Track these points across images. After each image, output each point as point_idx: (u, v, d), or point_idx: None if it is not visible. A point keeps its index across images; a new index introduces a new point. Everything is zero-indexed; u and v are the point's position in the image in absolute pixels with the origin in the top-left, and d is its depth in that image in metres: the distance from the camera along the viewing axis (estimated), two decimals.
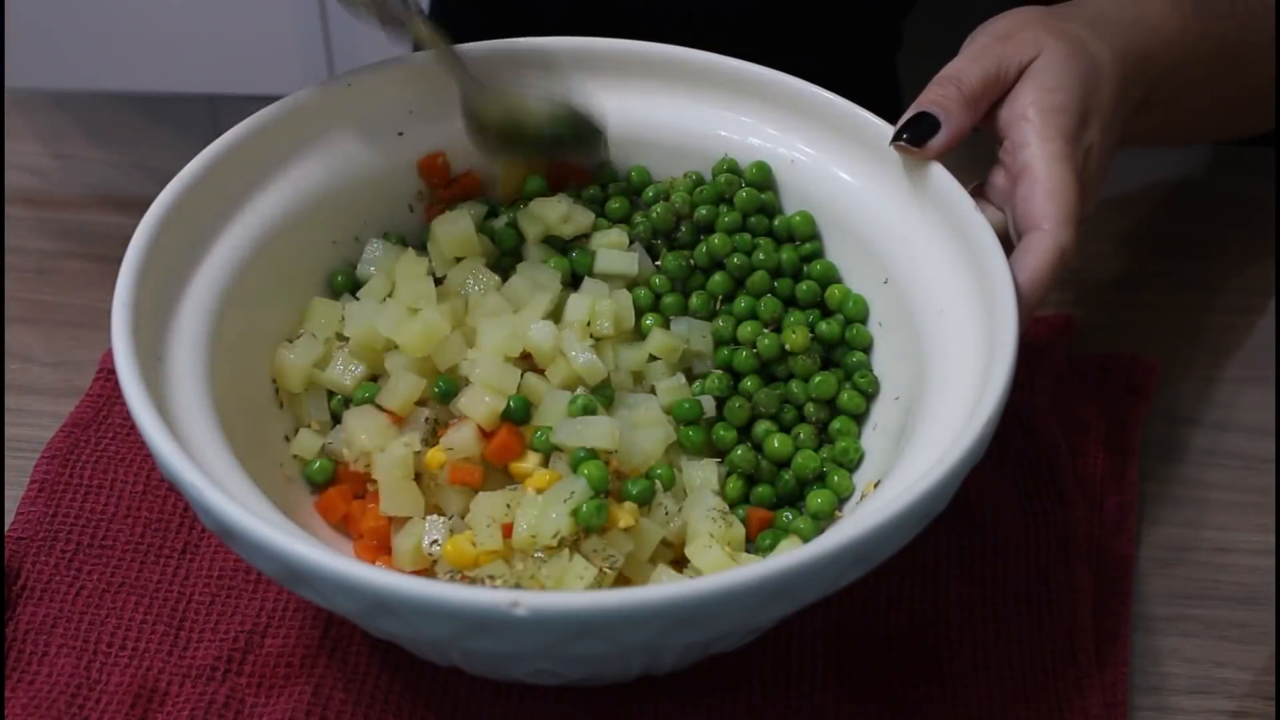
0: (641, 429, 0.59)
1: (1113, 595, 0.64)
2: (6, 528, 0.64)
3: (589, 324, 0.61)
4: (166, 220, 0.56)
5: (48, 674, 0.59)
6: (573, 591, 0.52)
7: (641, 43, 0.67)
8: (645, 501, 0.57)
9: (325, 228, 0.65)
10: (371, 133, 0.66)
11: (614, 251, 0.65)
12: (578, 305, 0.62)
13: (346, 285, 0.66)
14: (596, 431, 0.57)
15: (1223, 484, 0.72)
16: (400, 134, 0.66)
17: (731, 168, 0.67)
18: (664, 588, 0.43)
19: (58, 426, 0.69)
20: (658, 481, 0.58)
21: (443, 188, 0.68)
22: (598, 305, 0.62)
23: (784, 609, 0.47)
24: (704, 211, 0.66)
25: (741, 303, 0.65)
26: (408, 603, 0.43)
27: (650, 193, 0.68)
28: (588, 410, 0.58)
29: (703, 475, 0.60)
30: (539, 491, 0.56)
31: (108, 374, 0.72)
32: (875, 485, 0.58)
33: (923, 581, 0.64)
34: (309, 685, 0.59)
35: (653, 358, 0.63)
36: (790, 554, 0.44)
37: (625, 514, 0.55)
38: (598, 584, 0.53)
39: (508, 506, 0.56)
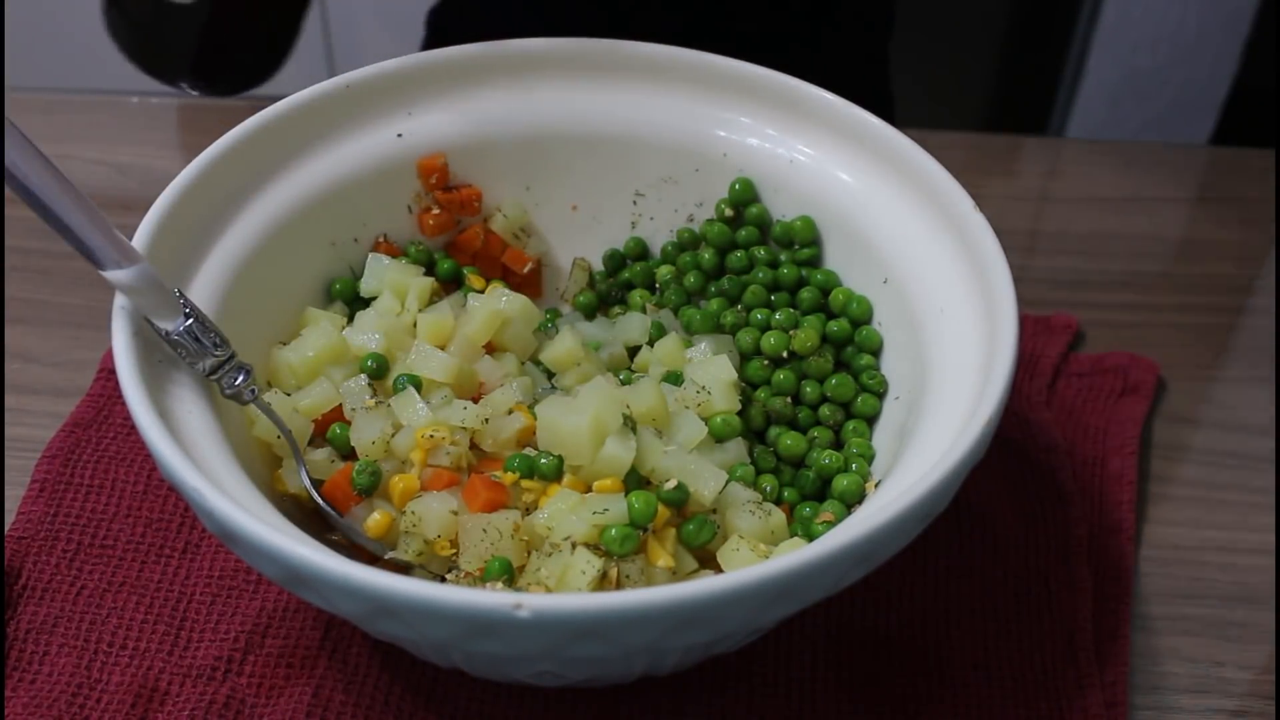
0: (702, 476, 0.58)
1: (1112, 595, 0.64)
2: (7, 527, 0.64)
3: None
4: (166, 221, 0.56)
5: (48, 673, 0.59)
6: (575, 593, 0.52)
7: (641, 43, 0.67)
8: (703, 544, 0.57)
9: (324, 229, 0.65)
10: (371, 134, 0.66)
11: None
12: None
13: (345, 294, 0.66)
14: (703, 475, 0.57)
15: (1223, 484, 0.72)
16: (399, 135, 0.66)
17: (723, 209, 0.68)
18: (666, 589, 0.43)
19: (58, 426, 0.69)
20: (716, 523, 0.57)
21: (440, 191, 0.68)
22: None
23: (786, 609, 0.47)
24: (708, 256, 0.68)
25: (759, 314, 0.65)
26: (410, 605, 0.43)
27: (664, 273, 0.69)
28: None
29: (740, 470, 0.59)
30: (592, 492, 0.56)
31: (108, 374, 0.72)
32: (876, 485, 0.58)
33: (923, 581, 0.64)
34: (309, 686, 0.59)
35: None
36: (792, 555, 0.44)
37: (666, 555, 0.55)
38: (598, 581, 0.53)
39: (453, 513, 0.56)
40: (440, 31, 1.12)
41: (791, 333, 0.64)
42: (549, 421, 0.57)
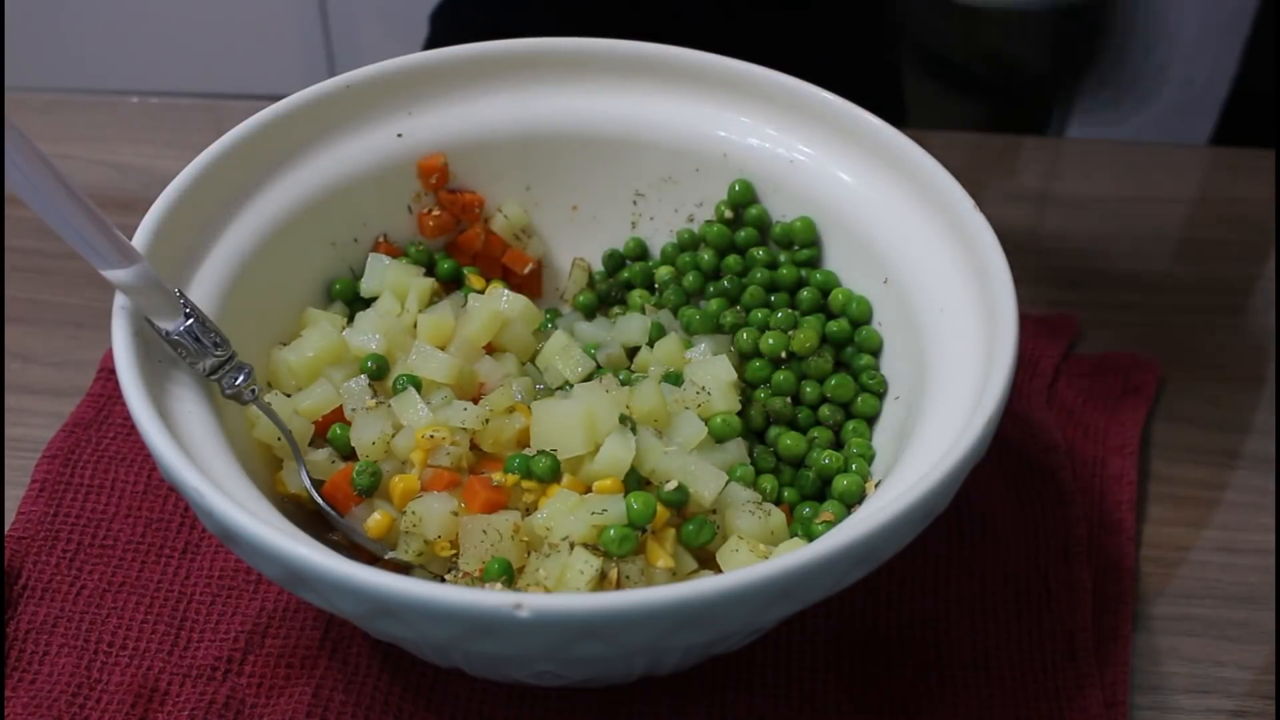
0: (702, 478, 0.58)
1: (1113, 595, 0.64)
2: (7, 528, 0.64)
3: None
4: (167, 221, 0.56)
5: (48, 673, 0.59)
6: (575, 593, 0.52)
7: (641, 43, 0.67)
8: (703, 544, 0.57)
9: (324, 229, 0.65)
10: (371, 134, 0.66)
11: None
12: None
13: (345, 294, 0.66)
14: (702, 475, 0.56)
15: (1223, 484, 0.72)
16: (399, 135, 0.66)
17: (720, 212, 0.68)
18: (667, 589, 0.43)
19: (58, 426, 0.69)
20: (715, 523, 0.57)
21: (441, 191, 0.68)
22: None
23: (787, 609, 0.47)
24: (707, 257, 0.68)
25: (758, 314, 0.65)
26: (410, 605, 0.43)
27: (664, 273, 0.69)
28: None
29: (740, 471, 0.59)
30: (592, 493, 0.56)
31: (108, 374, 0.72)
32: (876, 485, 0.58)
33: (923, 581, 0.64)
34: (309, 686, 0.59)
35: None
36: (792, 555, 0.44)
37: (665, 556, 0.55)
38: (597, 581, 0.53)
39: (454, 514, 0.56)
40: (443, 30, 1.12)
41: (791, 333, 0.64)
42: (542, 415, 0.57)
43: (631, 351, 0.66)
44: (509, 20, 1.02)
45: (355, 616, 0.47)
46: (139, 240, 0.55)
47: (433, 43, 1.11)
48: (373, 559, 0.57)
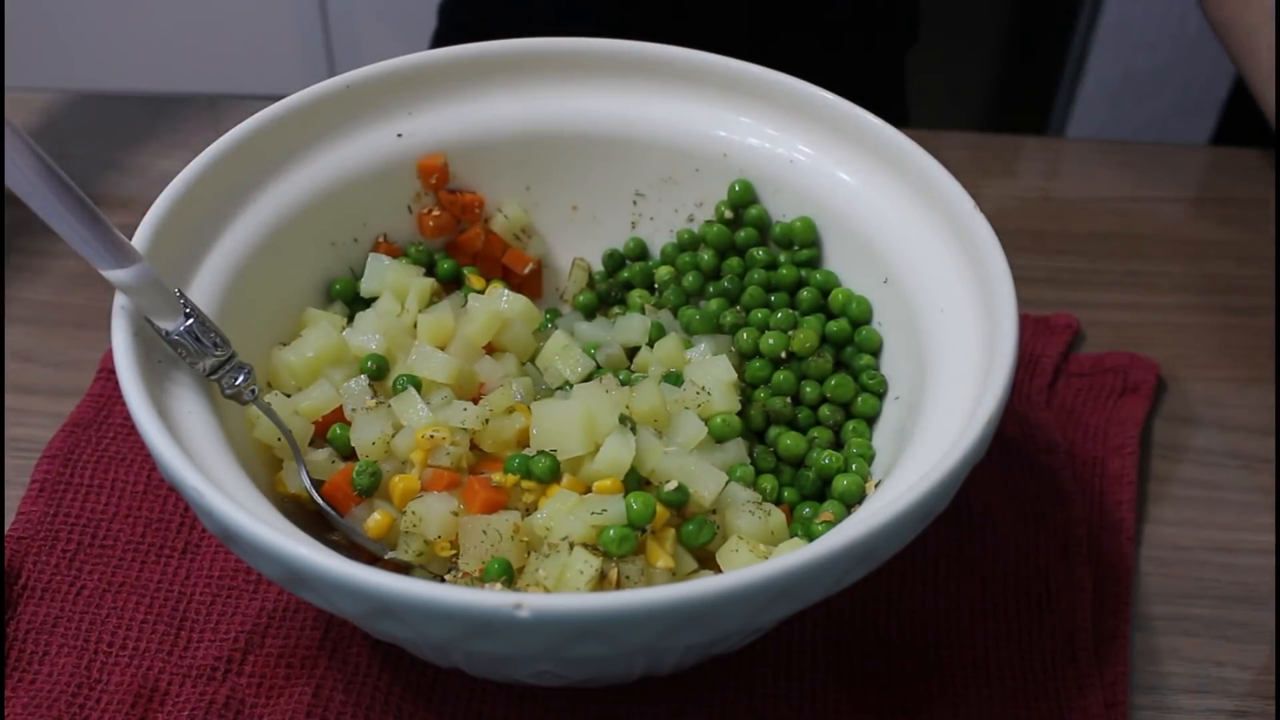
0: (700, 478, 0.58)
1: (1112, 595, 0.64)
2: (7, 527, 0.64)
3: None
4: (166, 221, 0.56)
5: (48, 673, 0.59)
6: (574, 592, 0.52)
7: (642, 43, 0.67)
8: (703, 544, 0.57)
9: (324, 229, 0.65)
10: (371, 134, 0.66)
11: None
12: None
13: (345, 294, 0.66)
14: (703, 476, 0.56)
15: (1223, 484, 0.72)
16: (399, 135, 0.66)
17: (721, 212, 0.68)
18: (666, 589, 0.43)
19: (58, 426, 0.69)
20: (715, 523, 0.57)
21: (442, 191, 0.68)
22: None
23: (787, 609, 0.47)
24: (707, 257, 0.68)
25: (758, 314, 0.65)
26: (410, 605, 0.43)
27: (664, 273, 0.69)
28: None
29: (740, 471, 0.59)
30: (592, 493, 0.56)
31: (108, 374, 0.72)
32: (876, 485, 0.58)
33: (923, 581, 0.64)
34: (309, 686, 0.59)
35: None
36: (792, 554, 0.44)
37: (665, 556, 0.55)
38: (597, 581, 0.53)
39: (454, 514, 0.56)
40: (453, 23, 1.11)
41: (791, 333, 0.64)
42: (542, 415, 0.57)
43: (631, 351, 0.66)
44: (517, 12, 1.02)
45: (355, 616, 0.46)
46: (139, 240, 0.55)
47: (441, 36, 1.11)
48: (373, 559, 0.57)
